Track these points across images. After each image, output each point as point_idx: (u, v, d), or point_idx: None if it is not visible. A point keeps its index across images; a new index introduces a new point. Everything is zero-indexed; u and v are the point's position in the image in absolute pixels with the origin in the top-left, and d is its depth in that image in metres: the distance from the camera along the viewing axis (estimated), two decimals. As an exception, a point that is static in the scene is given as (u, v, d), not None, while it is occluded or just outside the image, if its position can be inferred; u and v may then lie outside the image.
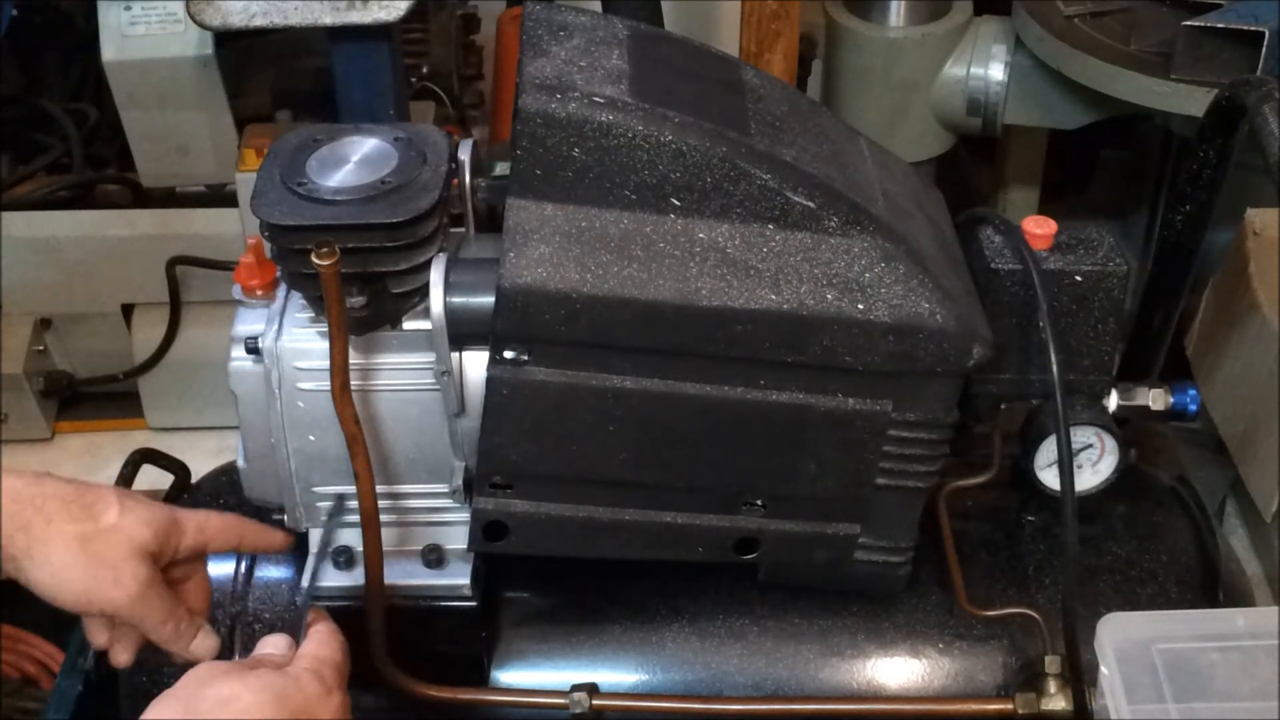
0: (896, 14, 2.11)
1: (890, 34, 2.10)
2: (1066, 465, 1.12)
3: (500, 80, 2.39)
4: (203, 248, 2.11)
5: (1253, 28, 1.72)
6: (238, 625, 1.25)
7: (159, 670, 1.24)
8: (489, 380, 1.06)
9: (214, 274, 2.10)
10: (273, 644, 1.03)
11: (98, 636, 1.07)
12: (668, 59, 1.15)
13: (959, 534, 1.26)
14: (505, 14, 2.45)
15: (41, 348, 2.23)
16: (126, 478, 1.36)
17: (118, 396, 2.29)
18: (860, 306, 1.04)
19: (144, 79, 2.01)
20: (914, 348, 1.05)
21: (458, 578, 1.17)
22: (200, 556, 1.08)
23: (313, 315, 1.11)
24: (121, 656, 1.08)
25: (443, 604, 1.18)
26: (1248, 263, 1.46)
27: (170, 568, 1.05)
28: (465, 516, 1.15)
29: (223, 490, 1.34)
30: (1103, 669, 1.03)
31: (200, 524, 1.06)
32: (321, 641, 1.02)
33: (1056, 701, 1.16)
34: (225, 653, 1.24)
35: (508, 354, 1.05)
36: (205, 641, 1.07)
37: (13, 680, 1.77)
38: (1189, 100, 1.76)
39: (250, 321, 1.13)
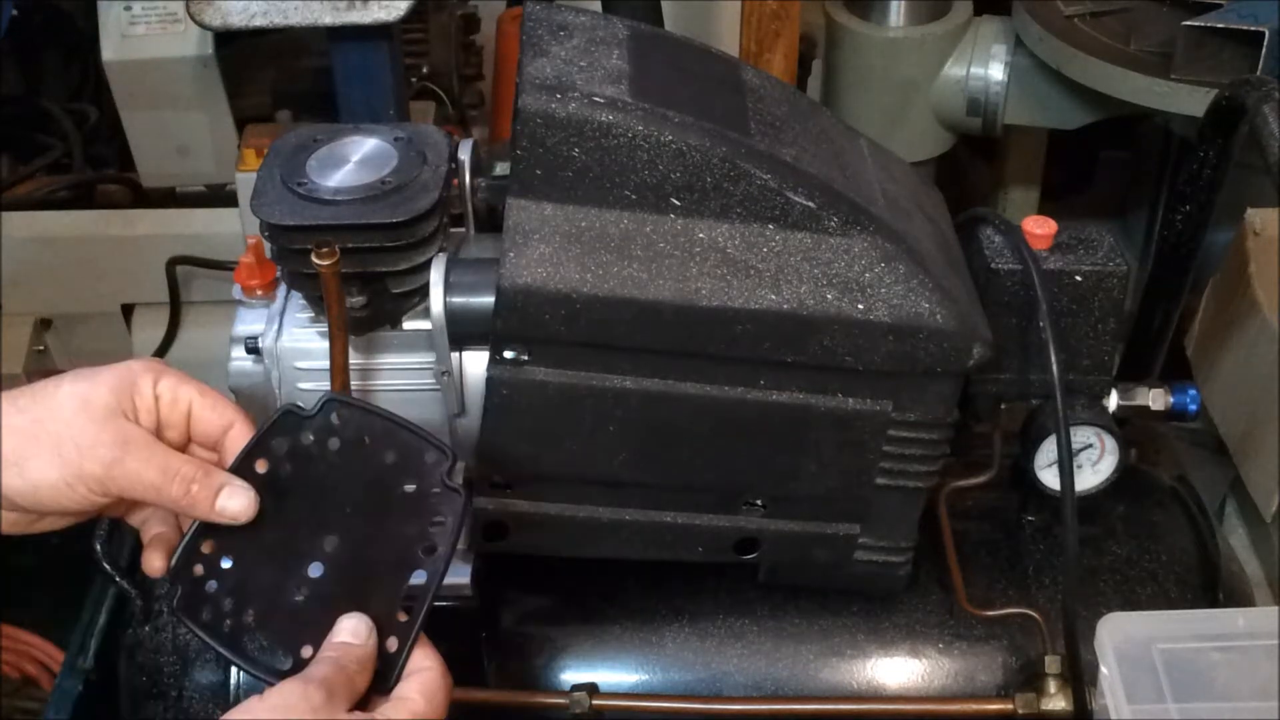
0: (896, 14, 2.10)
1: (890, 34, 2.10)
2: (1066, 465, 1.12)
3: (500, 80, 2.39)
4: (203, 248, 2.11)
5: (1253, 28, 1.72)
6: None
7: (159, 670, 1.24)
8: (489, 380, 1.06)
9: (214, 274, 2.10)
10: (355, 641, 0.86)
11: (143, 531, 0.95)
12: (668, 59, 1.15)
13: (959, 534, 1.26)
14: (505, 14, 2.45)
15: (41, 348, 2.23)
16: (126, 477, 1.35)
17: (118, 396, 2.28)
18: (860, 306, 1.04)
19: (144, 79, 2.02)
20: (914, 348, 1.05)
21: (458, 578, 1.17)
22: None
23: (313, 315, 1.11)
24: (153, 562, 0.94)
25: (443, 604, 1.17)
26: (1248, 263, 1.46)
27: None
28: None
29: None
30: (1103, 669, 1.03)
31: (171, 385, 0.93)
32: (430, 691, 0.86)
33: (1056, 701, 1.16)
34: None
35: (508, 354, 1.05)
36: (234, 499, 0.91)
37: (13, 680, 1.77)
38: (1189, 100, 1.76)
39: (250, 321, 1.13)
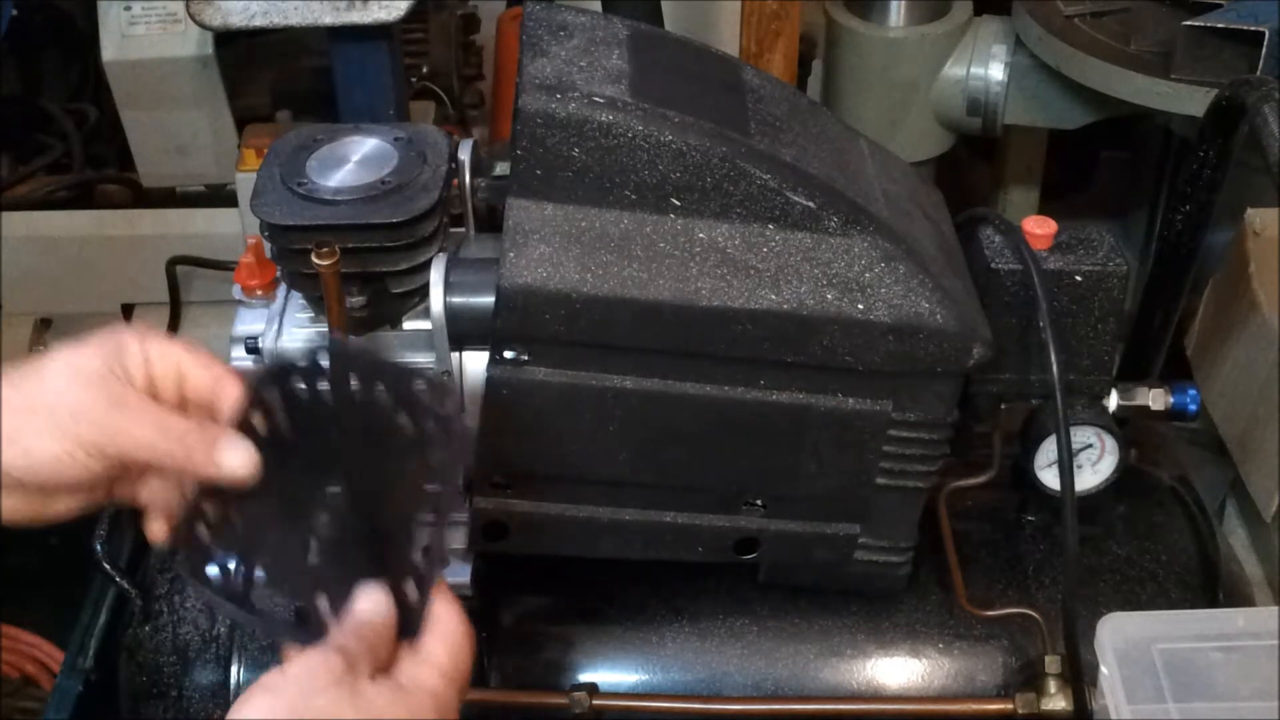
0: (896, 14, 2.10)
1: (890, 34, 2.10)
2: (1066, 465, 1.12)
3: (500, 80, 2.39)
4: (203, 248, 2.11)
5: (1253, 28, 1.72)
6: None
7: (159, 670, 1.24)
8: (489, 380, 1.06)
9: (214, 274, 2.10)
10: (375, 614, 0.84)
11: (143, 503, 0.93)
12: (668, 59, 1.15)
13: (959, 534, 1.26)
14: (505, 14, 2.45)
15: (42, 348, 2.23)
16: (126, 477, 1.35)
17: (118, 396, 2.28)
18: (860, 306, 1.04)
19: (144, 79, 2.02)
20: (914, 348, 1.05)
21: (458, 577, 1.17)
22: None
23: (313, 315, 1.11)
24: (154, 527, 0.93)
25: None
26: (1248, 263, 1.46)
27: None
28: (465, 516, 1.15)
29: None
30: (1103, 669, 1.03)
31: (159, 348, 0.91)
32: (452, 643, 0.84)
33: (1056, 701, 1.16)
34: (222, 649, 1.22)
35: (508, 354, 1.05)
36: (233, 454, 0.88)
37: (13, 680, 1.77)
38: (1189, 100, 1.76)
39: (250, 321, 1.13)
